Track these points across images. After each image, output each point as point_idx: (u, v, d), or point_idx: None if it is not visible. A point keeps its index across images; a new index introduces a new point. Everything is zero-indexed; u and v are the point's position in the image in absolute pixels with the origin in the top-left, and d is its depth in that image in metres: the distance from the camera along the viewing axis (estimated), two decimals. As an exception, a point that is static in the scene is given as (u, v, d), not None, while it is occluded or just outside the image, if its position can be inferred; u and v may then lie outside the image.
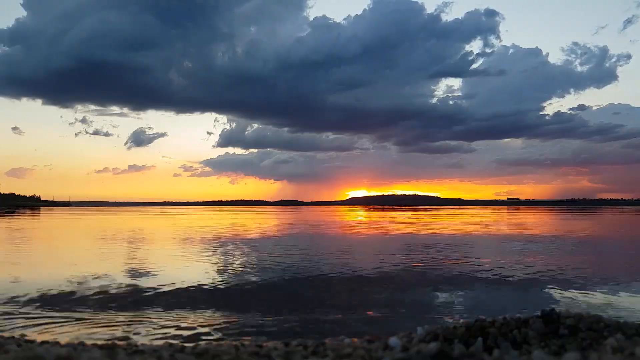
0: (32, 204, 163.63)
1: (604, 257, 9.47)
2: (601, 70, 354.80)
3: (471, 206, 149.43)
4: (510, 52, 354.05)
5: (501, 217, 33.67)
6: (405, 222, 25.68)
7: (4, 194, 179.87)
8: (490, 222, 25.18)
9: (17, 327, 3.84)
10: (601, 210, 62.65)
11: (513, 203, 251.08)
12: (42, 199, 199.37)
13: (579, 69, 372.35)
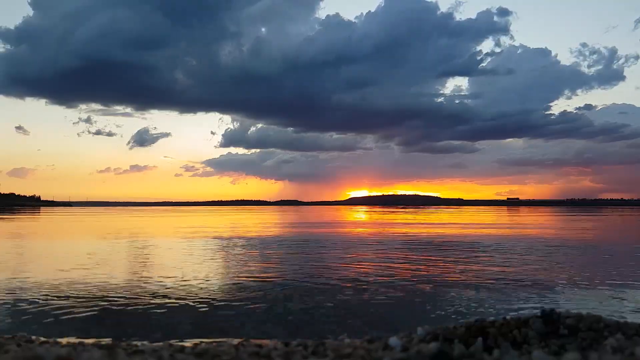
0: (31, 204, 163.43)
1: (603, 257, 9.47)
2: (609, 71, 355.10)
3: (470, 206, 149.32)
4: (518, 52, 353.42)
5: (494, 218, 33.69)
6: (401, 222, 25.68)
7: (3, 194, 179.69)
8: (483, 223, 25.19)
9: (18, 328, 3.84)
10: (600, 211, 62.63)
11: (513, 203, 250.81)
12: (42, 199, 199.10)
13: (587, 70, 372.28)
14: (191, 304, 4.81)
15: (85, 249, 11.05)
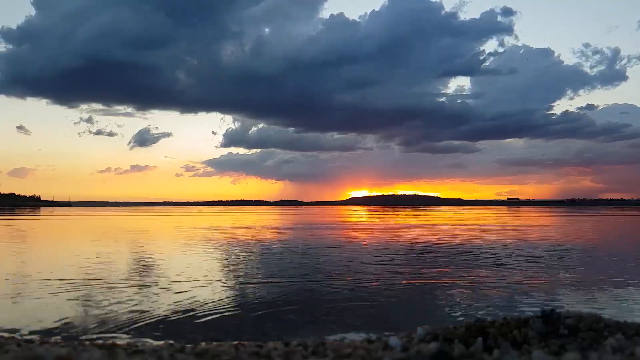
0: (31, 204, 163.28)
1: (603, 257, 9.47)
2: (612, 71, 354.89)
3: (470, 206, 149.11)
4: (521, 52, 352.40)
5: (494, 219, 33.69)
6: (401, 223, 25.68)
7: (3, 194, 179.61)
8: (482, 224, 25.19)
9: (18, 328, 3.84)
10: (600, 211, 62.63)
11: (512, 203, 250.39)
12: (42, 199, 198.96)
13: (589, 70, 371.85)
14: (191, 304, 4.81)
15: (87, 250, 11.06)
